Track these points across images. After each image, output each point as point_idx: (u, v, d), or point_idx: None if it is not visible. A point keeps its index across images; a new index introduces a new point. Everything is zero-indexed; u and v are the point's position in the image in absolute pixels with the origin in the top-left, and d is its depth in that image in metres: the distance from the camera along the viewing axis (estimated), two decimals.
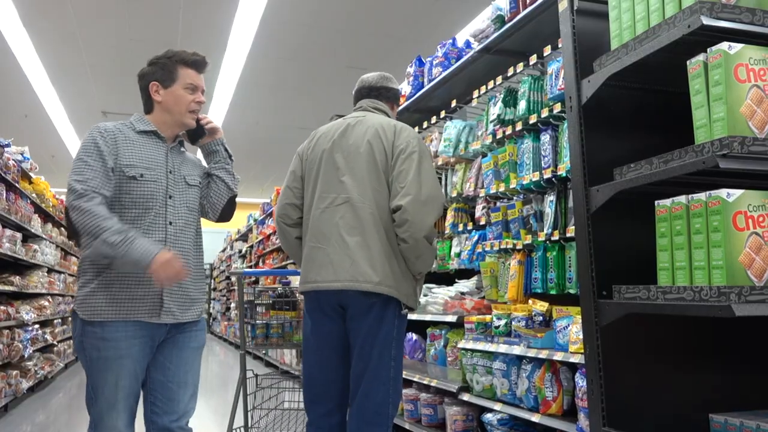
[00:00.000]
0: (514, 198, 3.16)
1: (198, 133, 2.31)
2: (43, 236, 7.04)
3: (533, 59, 2.98)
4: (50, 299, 7.20)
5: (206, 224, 2.52)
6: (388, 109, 2.64)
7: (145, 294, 2.05)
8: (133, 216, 2.08)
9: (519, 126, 3.02)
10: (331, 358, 2.42)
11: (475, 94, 3.48)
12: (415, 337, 4.08)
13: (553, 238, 2.78)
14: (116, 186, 2.07)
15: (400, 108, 4.10)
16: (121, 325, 2.02)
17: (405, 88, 4.32)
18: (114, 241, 1.94)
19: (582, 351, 2.20)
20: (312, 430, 2.42)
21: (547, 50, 2.86)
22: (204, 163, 2.42)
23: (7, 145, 5.87)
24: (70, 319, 1.85)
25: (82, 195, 1.97)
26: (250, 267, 11.76)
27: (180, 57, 2.21)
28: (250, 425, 3.59)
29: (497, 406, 2.84)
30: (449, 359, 3.58)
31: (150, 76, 2.20)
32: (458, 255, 3.70)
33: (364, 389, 2.31)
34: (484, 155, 3.36)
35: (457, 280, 3.76)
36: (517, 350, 2.72)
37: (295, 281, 4.76)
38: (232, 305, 13.63)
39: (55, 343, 7.55)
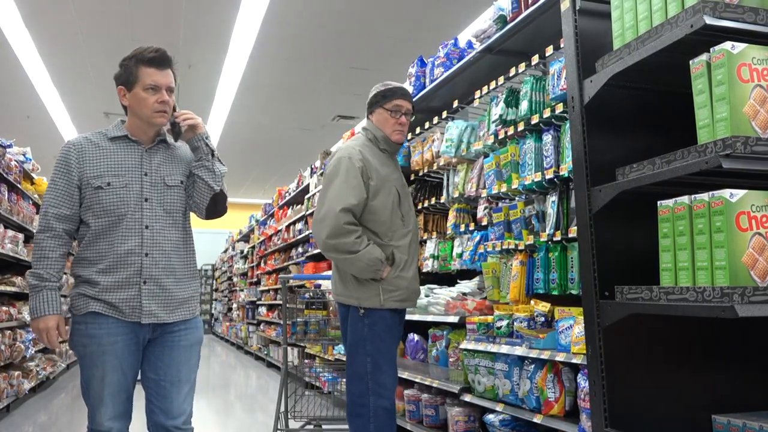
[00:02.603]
0: (516, 198, 3.16)
1: (176, 130, 2.24)
2: None
3: (535, 59, 2.98)
4: None
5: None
6: (367, 122, 2.91)
7: (126, 298, 2.10)
8: (106, 224, 2.11)
9: (521, 126, 3.01)
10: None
11: (477, 94, 3.48)
12: (416, 337, 4.08)
13: (555, 239, 2.78)
14: (87, 197, 2.13)
15: None
16: (104, 321, 2.07)
17: (407, 88, 4.32)
18: (29, 281, 2.09)
19: (584, 352, 2.19)
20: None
21: (549, 50, 2.86)
22: None
23: (9, 146, 5.88)
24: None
25: (41, 228, 2.11)
26: (252, 268, 11.77)
27: (138, 56, 2.13)
28: (289, 409, 4.38)
29: (499, 407, 2.83)
30: (451, 360, 3.57)
31: (117, 79, 2.18)
32: (460, 255, 3.69)
33: (347, 382, 2.66)
34: (486, 155, 3.36)
35: (458, 281, 3.76)
36: (519, 351, 2.72)
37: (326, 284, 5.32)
38: (234, 306, 13.63)
39: None
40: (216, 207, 2.29)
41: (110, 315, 2.08)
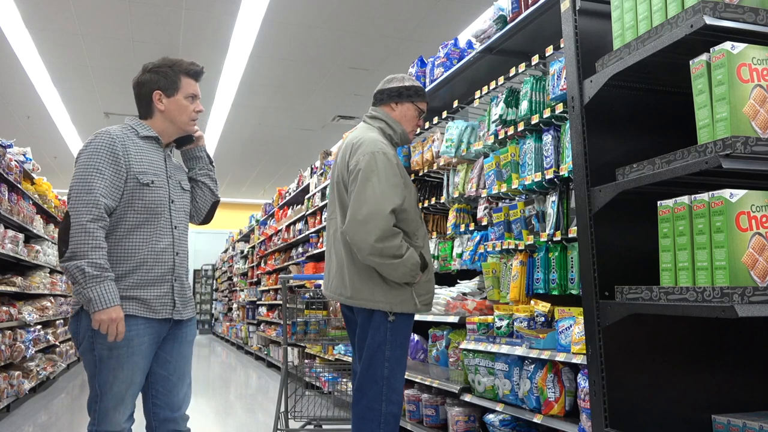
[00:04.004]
0: (516, 198, 3.16)
1: (186, 140, 2.40)
2: (45, 237, 7.04)
3: (535, 59, 2.98)
4: (52, 300, 7.21)
5: (207, 225, 2.62)
6: (384, 113, 2.74)
7: (158, 294, 2.15)
8: (142, 220, 2.15)
9: (521, 126, 3.01)
10: (356, 352, 2.70)
11: (477, 94, 3.48)
12: (416, 337, 4.08)
13: (555, 239, 2.78)
14: (130, 191, 2.13)
15: None
16: (133, 323, 2.09)
17: None
18: (86, 270, 1.98)
19: (584, 352, 2.19)
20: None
21: (549, 50, 2.86)
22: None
23: (10, 146, 5.88)
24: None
25: (93, 217, 2.02)
26: (252, 268, 11.77)
27: (181, 67, 2.25)
28: (289, 409, 4.40)
29: (499, 407, 2.83)
30: (451, 360, 3.57)
31: (152, 84, 2.24)
32: (460, 255, 3.69)
33: (359, 385, 2.53)
34: (486, 155, 3.36)
35: (459, 281, 3.76)
36: (519, 351, 2.72)
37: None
38: (234, 306, 13.64)
39: (57, 343, 7.56)
40: (213, 213, 2.48)
41: (139, 315, 2.10)
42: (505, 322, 2.95)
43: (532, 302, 2.88)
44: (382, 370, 2.49)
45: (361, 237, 2.40)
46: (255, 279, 11.42)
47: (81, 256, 1.99)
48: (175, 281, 2.19)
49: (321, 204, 7.01)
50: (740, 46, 1.67)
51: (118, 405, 2.08)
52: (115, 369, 2.07)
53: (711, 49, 1.71)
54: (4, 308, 5.28)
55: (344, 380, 5.11)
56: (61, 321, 8.10)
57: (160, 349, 2.22)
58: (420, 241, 2.60)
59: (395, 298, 2.50)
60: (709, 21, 1.67)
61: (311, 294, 4.64)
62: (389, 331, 2.51)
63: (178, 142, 2.38)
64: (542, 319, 2.76)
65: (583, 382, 2.40)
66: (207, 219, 2.48)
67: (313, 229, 7.30)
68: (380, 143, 2.56)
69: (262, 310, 10.05)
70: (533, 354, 2.61)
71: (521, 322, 2.84)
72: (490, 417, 2.99)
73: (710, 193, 1.69)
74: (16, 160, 5.82)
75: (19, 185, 5.73)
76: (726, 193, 1.65)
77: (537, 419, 2.59)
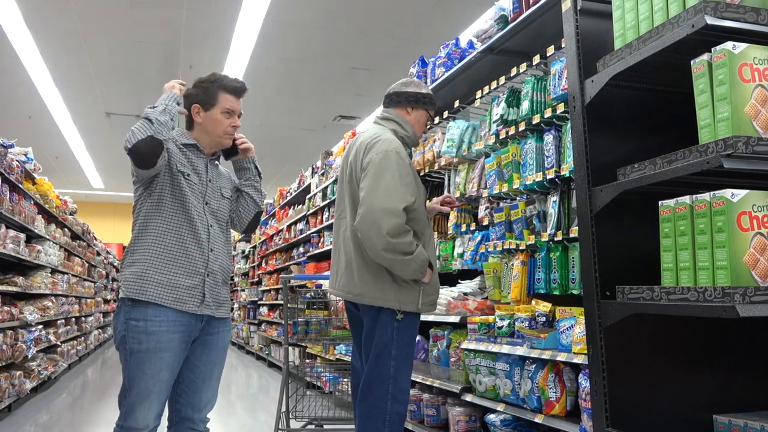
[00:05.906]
0: (517, 198, 3.16)
1: (232, 151, 2.48)
2: (47, 237, 7.05)
3: (536, 59, 2.98)
4: (54, 300, 7.21)
5: None
6: (398, 116, 2.73)
7: (190, 284, 2.19)
8: (179, 210, 2.22)
9: (522, 126, 3.01)
10: (358, 351, 2.69)
11: (478, 94, 3.48)
12: (418, 337, 4.08)
13: (556, 239, 2.78)
14: (168, 178, 2.23)
15: None
16: (163, 318, 2.12)
17: None
18: (147, 110, 2.16)
19: (585, 352, 2.19)
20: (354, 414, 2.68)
21: (551, 50, 2.86)
22: (234, 177, 2.59)
23: (11, 146, 5.89)
24: (112, 315, 2.04)
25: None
26: (253, 268, 11.78)
27: (221, 83, 2.35)
28: (290, 409, 4.40)
29: (500, 407, 2.83)
30: (452, 360, 3.57)
31: (192, 98, 2.36)
32: (461, 255, 3.69)
33: (365, 384, 2.52)
34: (487, 155, 3.36)
35: (460, 281, 3.76)
36: (520, 351, 2.72)
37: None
38: (235, 306, 13.65)
39: (58, 343, 7.56)
40: (256, 223, 2.56)
41: (170, 306, 2.13)
42: (506, 322, 2.95)
43: (533, 302, 2.88)
44: (389, 369, 2.49)
45: (375, 232, 2.39)
46: (256, 279, 11.43)
47: (145, 119, 2.12)
48: (208, 276, 2.23)
49: (322, 204, 7.01)
50: (741, 46, 1.67)
51: (144, 401, 2.10)
52: (143, 363, 2.09)
53: (712, 49, 1.71)
54: (6, 308, 5.28)
55: (345, 380, 5.11)
56: (62, 321, 8.11)
57: (191, 353, 2.25)
58: (426, 240, 2.61)
59: (404, 297, 2.50)
60: (711, 21, 1.67)
61: (312, 294, 4.65)
62: (396, 330, 2.51)
63: (224, 153, 2.48)
64: (543, 319, 2.76)
65: (584, 382, 2.40)
66: (250, 228, 2.55)
67: (314, 229, 7.30)
68: (395, 142, 2.59)
69: (263, 310, 10.05)
70: (534, 354, 2.61)
71: (522, 322, 2.84)
72: (491, 417, 2.99)
73: (711, 193, 1.69)
74: (17, 160, 5.83)
75: (20, 185, 5.73)
76: (727, 193, 1.65)
77: (538, 419, 2.59)
